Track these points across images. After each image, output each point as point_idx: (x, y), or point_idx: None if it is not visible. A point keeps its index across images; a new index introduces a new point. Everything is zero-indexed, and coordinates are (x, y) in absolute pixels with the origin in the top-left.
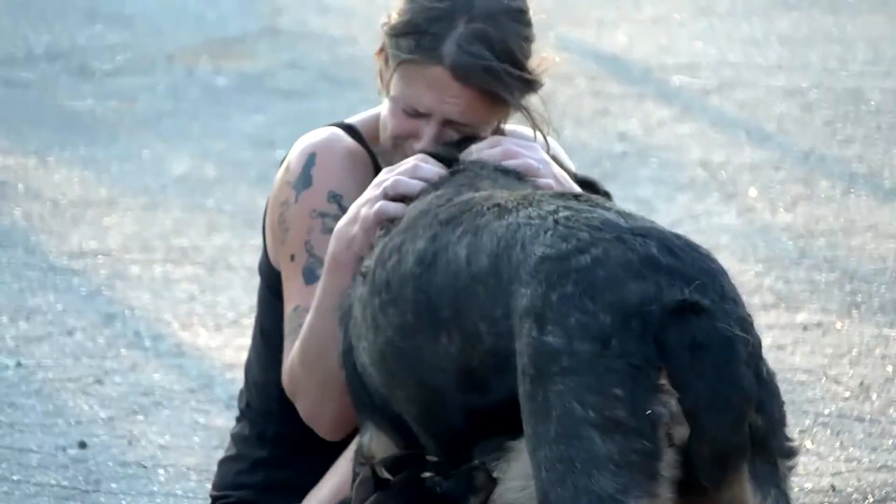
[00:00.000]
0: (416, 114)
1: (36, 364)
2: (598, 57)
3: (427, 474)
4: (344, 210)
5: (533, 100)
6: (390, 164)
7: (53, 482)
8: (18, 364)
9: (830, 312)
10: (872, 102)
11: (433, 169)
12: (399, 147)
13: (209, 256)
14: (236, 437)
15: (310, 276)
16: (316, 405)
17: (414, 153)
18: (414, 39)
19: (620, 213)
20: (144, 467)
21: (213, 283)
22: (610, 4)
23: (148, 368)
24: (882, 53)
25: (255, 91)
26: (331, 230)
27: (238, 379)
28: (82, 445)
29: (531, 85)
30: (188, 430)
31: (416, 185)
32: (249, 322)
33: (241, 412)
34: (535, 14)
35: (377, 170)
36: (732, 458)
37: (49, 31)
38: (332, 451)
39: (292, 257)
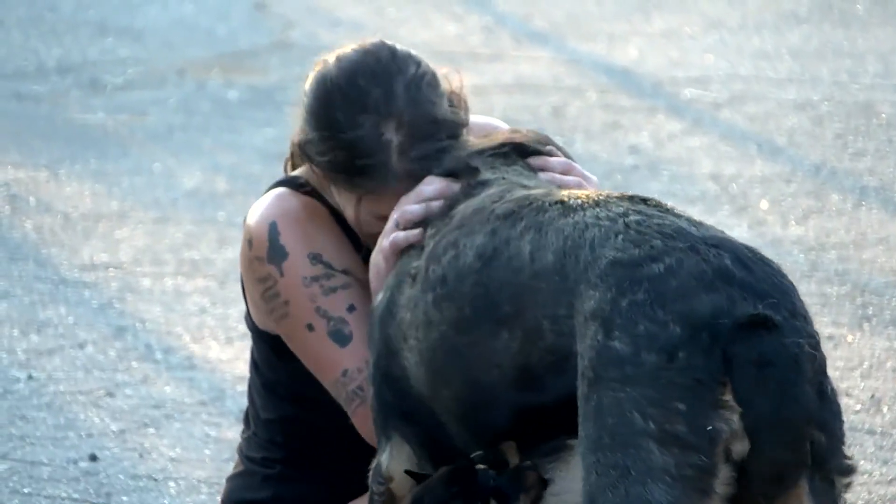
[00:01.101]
0: (387, 217)
1: (47, 377)
2: (609, 70)
3: (481, 466)
4: (329, 266)
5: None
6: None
7: (64, 495)
8: (30, 377)
9: (842, 325)
10: (883, 115)
11: (436, 187)
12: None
13: (220, 269)
14: (243, 455)
15: (341, 339)
16: None
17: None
18: (363, 175)
19: (691, 221)
20: (155, 480)
21: (224, 296)
22: (621, 18)
23: (159, 381)
24: (893, 67)
25: (266, 105)
26: (331, 289)
27: None
28: (93, 458)
29: (466, 120)
30: (199, 443)
31: (420, 209)
32: None
33: (248, 434)
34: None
35: (335, 215)
36: (790, 475)
37: (60, 45)
38: (341, 467)
39: (310, 327)
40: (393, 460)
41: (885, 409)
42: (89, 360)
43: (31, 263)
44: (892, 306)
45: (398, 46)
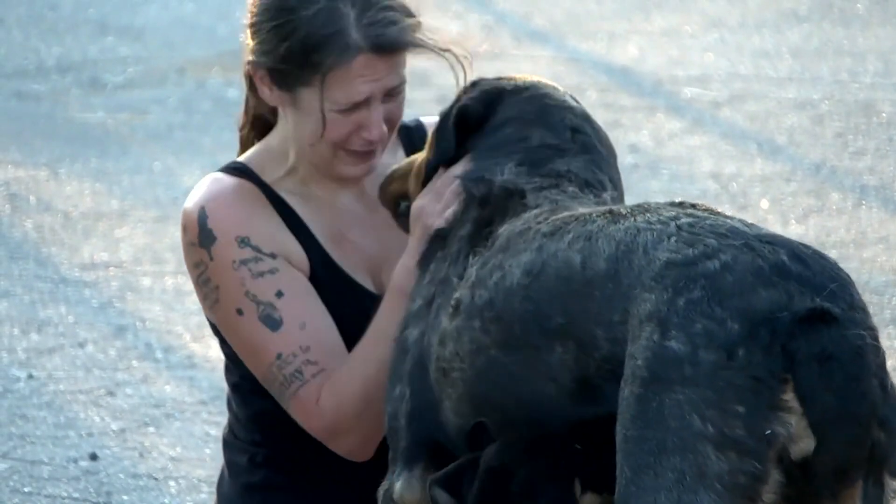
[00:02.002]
0: (352, 108)
1: (47, 376)
2: (609, 69)
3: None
4: (257, 250)
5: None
6: (295, 188)
7: (65, 494)
8: (30, 376)
9: None
10: (884, 114)
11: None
12: (341, 150)
13: None
14: (229, 463)
15: (272, 323)
16: (368, 439)
17: (369, 139)
18: (322, 50)
19: (743, 222)
20: (156, 479)
21: None
22: (621, 17)
23: (159, 380)
24: (893, 66)
25: None
26: (259, 273)
27: None
28: (93, 457)
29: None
30: (199, 442)
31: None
32: None
33: (230, 441)
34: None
35: (271, 197)
36: (853, 472)
37: (60, 44)
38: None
39: (239, 311)
40: (409, 490)
41: None
42: (89, 359)
43: (31, 262)
44: (893, 305)
45: None
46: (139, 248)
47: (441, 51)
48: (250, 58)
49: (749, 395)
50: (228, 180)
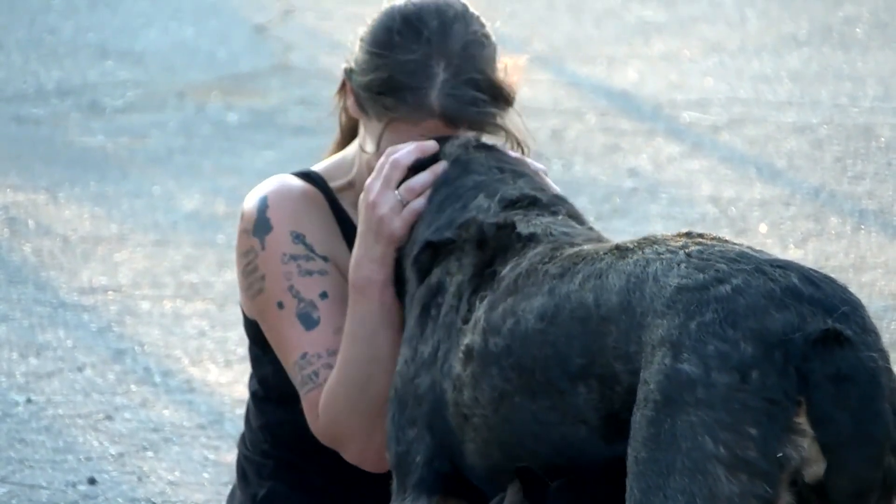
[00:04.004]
0: None
1: (46, 400)
2: (609, 93)
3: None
4: (310, 248)
5: (515, 120)
6: (356, 200)
7: None
8: (28, 400)
9: None
10: (883, 139)
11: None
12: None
13: (219, 292)
14: (239, 475)
15: (308, 322)
16: (366, 440)
17: None
18: (399, 97)
19: (752, 248)
20: None
21: (223, 319)
22: (620, 41)
23: (158, 404)
24: (893, 90)
25: (266, 128)
26: (307, 272)
27: None
28: (92, 482)
29: (510, 101)
30: (198, 467)
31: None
32: None
33: (242, 451)
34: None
35: (336, 212)
36: (870, 495)
37: (60, 68)
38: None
39: (280, 304)
40: None
41: None
42: (88, 383)
43: (30, 286)
44: (892, 330)
45: (473, 9)
46: (138, 272)
47: (508, 140)
48: (347, 65)
49: (763, 418)
50: (296, 182)
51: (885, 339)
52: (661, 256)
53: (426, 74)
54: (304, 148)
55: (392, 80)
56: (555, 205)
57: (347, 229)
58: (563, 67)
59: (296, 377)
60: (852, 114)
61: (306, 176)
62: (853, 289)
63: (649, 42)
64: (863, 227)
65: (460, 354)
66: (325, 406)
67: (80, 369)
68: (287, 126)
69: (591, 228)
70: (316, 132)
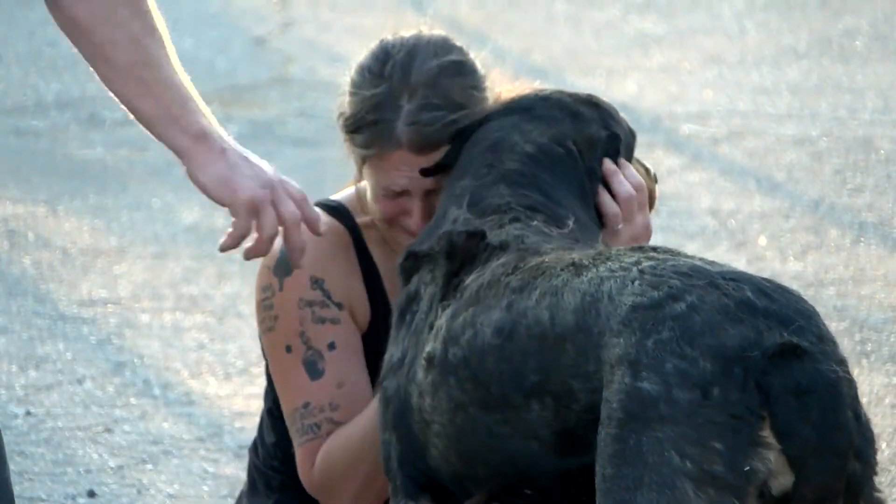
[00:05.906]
0: (396, 194)
1: (45, 413)
2: None
3: None
4: (327, 295)
5: None
6: (381, 238)
7: None
8: (28, 413)
9: None
10: (882, 151)
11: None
12: (394, 226)
13: (219, 305)
14: (249, 481)
15: (313, 371)
16: (358, 498)
17: (410, 229)
18: (366, 133)
19: (704, 261)
20: None
21: (222, 331)
22: (620, 53)
23: (157, 417)
24: (892, 102)
25: (266, 139)
26: (321, 319)
27: (247, 428)
28: (91, 494)
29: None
30: (197, 479)
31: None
32: (259, 371)
33: (253, 458)
34: (477, 56)
35: (356, 241)
36: (835, 503)
37: (59, 81)
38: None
39: (288, 348)
40: None
41: (883, 446)
42: (88, 395)
43: (29, 299)
44: (891, 342)
45: (459, 44)
46: (138, 284)
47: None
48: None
49: (728, 432)
50: (323, 218)
51: (885, 351)
52: (615, 274)
53: (391, 106)
54: (303, 159)
55: (358, 116)
56: (534, 209)
57: (370, 267)
58: (563, 79)
59: (295, 422)
60: (852, 126)
61: (334, 210)
62: (852, 301)
63: (649, 54)
64: (862, 239)
65: (423, 361)
66: (323, 464)
67: (79, 382)
68: (286, 137)
69: (572, 230)
70: (315, 144)
